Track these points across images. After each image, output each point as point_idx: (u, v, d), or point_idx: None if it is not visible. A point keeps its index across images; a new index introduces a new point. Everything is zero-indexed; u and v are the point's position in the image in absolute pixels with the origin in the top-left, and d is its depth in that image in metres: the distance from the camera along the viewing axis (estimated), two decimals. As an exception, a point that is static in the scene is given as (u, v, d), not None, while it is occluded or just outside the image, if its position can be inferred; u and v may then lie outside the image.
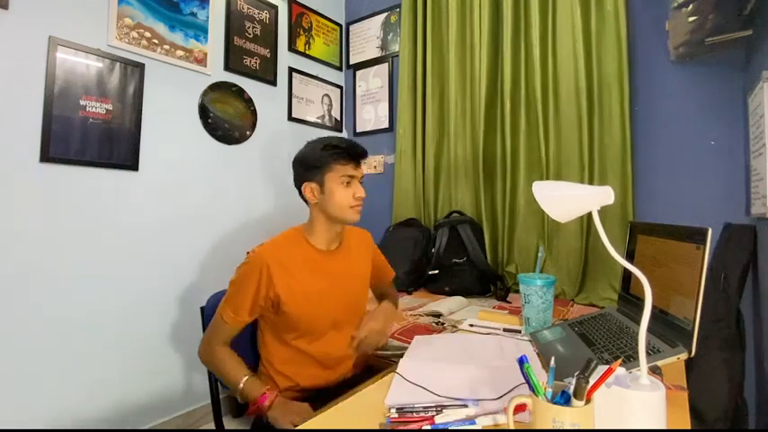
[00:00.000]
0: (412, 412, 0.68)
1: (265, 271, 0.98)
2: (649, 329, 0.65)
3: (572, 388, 0.52)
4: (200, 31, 1.89)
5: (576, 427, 0.50)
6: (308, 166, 1.07)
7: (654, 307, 0.81)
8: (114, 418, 1.60)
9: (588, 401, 0.52)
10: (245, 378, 0.96)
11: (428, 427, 0.65)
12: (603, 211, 0.76)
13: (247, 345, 1.15)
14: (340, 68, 2.65)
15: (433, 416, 0.66)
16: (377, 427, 0.67)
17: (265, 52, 2.18)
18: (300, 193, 1.11)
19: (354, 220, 1.09)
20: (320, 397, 0.94)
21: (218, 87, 1.96)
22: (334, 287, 1.08)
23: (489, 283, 1.86)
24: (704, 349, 1.21)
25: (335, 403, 0.77)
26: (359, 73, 2.61)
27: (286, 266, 1.01)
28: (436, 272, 1.89)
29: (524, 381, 0.56)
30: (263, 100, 2.16)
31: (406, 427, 0.65)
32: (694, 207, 1.54)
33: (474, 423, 0.65)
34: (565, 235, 1.80)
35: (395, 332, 1.30)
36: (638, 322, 0.65)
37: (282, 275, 1.00)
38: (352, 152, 1.06)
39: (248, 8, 2.11)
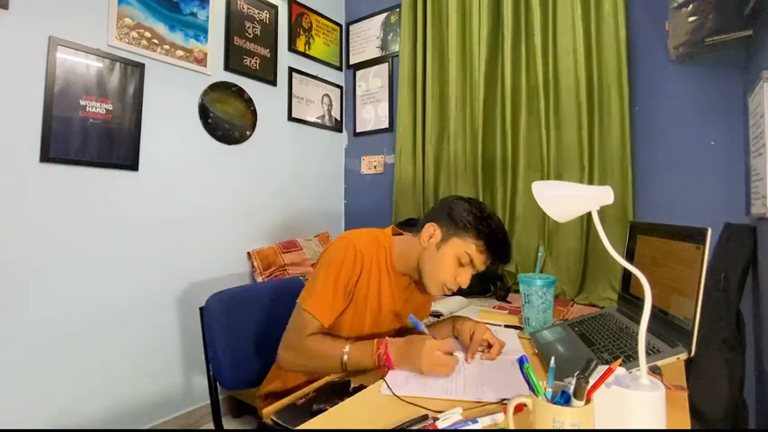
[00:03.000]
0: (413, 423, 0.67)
1: (359, 264, 0.92)
2: (649, 329, 0.65)
3: (572, 388, 0.52)
4: (200, 31, 1.89)
5: (576, 427, 0.50)
6: (451, 216, 0.95)
7: (654, 307, 0.81)
8: (114, 418, 1.60)
9: (588, 401, 0.52)
10: (347, 346, 0.87)
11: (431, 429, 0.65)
12: (603, 211, 0.77)
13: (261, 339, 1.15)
14: (340, 68, 2.65)
15: (434, 424, 0.66)
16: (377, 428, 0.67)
17: (265, 52, 2.18)
18: (422, 224, 0.99)
19: (433, 295, 1.02)
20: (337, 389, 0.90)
21: (218, 87, 1.96)
22: (392, 311, 1.02)
23: (489, 282, 1.86)
24: (704, 349, 1.22)
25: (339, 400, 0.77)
26: (359, 73, 2.61)
27: (369, 271, 0.95)
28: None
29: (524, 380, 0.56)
30: (263, 100, 2.16)
31: (410, 428, 0.65)
32: (694, 207, 1.54)
33: (477, 422, 0.65)
34: (565, 235, 1.80)
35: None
36: (638, 322, 0.65)
37: (365, 279, 0.94)
38: (496, 247, 0.93)
39: (248, 8, 2.11)
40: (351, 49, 2.65)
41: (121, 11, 1.63)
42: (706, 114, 1.53)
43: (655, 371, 0.75)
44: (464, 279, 0.94)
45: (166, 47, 1.77)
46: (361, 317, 0.98)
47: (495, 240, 0.93)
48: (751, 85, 1.28)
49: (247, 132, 2.09)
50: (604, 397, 0.56)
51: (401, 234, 1.07)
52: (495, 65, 1.99)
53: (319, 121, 2.50)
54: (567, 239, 1.79)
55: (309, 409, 0.84)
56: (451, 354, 0.85)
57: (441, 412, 0.69)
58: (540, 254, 1.33)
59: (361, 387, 0.86)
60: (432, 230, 0.96)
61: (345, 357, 0.87)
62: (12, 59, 1.38)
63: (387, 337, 0.89)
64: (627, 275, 1.12)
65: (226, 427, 1.15)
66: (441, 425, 0.65)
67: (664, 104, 1.61)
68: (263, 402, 1.02)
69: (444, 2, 2.16)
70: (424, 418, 0.67)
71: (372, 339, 0.89)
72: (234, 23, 2.03)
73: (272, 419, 0.87)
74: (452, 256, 0.93)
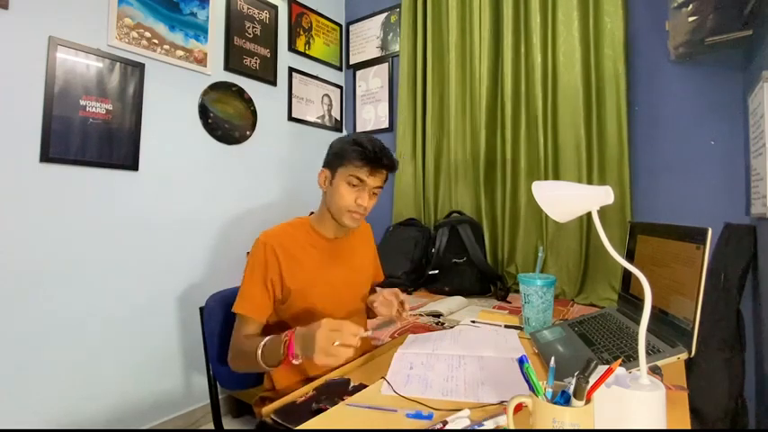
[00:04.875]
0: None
1: (271, 254, 0.98)
2: (649, 329, 0.65)
3: (572, 388, 0.52)
4: (201, 31, 1.89)
5: (576, 427, 0.50)
6: (331, 153, 1.05)
7: (654, 307, 0.81)
8: (114, 418, 1.60)
9: (588, 401, 0.52)
10: (265, 340, 0.87)
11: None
12: (603, 212, 0.76)
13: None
14: (340, 68, 2.65)
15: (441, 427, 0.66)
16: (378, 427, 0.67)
17: (265, 52, 2.18)
18: None
19: (349, 227, 1.05)
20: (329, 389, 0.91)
21: (218, 87, 1.96)
22: (344, 275, 1.08)
23: (489, 283, 1.86)
24: (704, 349, 1.22)
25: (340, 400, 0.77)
26: (359, 73, 2.61)
27: (292, 253, 1.00)
28: (436, 272, 1.89)
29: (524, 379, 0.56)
30: (263, 100, 2.16)
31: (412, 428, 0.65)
32: (694, 207, 1.54)
33: (482, 425, 0.65)
34: (565, 235, 1.80)
35: (394, 332, 1.30)
36: (638, 322, 0.65)
37: (289, 263, 0.99)
38: (371, 156, 0.98)
39: (248, 8, 2.11)
40: (351, 49, 2.65)
41: (121, 11, 1.63)
42: (706, 114, 1.53)
43: (655, 371, 0.75)
44: (363, 199, 1.00)
45: (166, 47, 1.77)
46: (318, 292, 1.03)
47: (365, 150, 0.98)
48: (751, 85, 1.28)
49: (247, 132, 2.09)
50: (604, 397, 0.56)
51: None
52: (495, 65, 1.99)
53: (319, 121, 2.50)
54: (567, 239, 1.79)
55: (309, 408, 0.84)
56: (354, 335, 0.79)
57: (438, 410, 0.69)
58: (539, 254, 1.33)
59: (362, 386, 0.86)
60: (324, 175, 1.05)
61: (259, 351, 0.86)
62: (12, 59, 1.38)
63: (298, 327, 0.85)
64: (627, 275, 1.12)
65: (226, 427, 1.15)
66: (450, 427, 0.65)
67: (663, 104, 1.62)
68: (259, 407, 1.03)
69: (444, 2, 2.16)
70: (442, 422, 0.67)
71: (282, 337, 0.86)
72: (234, 23, 2.03)
73: (271, 418, 0.87)
74: (343, 183, 1.00)
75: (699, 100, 1.54)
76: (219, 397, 1.14)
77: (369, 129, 2.54)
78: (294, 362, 0.83)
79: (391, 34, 2.46)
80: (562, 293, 1.79)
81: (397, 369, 0.88)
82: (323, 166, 1.06)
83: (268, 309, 0.99)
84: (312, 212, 1.13)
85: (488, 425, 0.65)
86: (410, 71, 2.26)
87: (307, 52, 2.42)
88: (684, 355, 0.74)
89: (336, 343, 0.77)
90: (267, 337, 0.89)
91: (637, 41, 1.67)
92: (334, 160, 1.03)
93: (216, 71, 1.96)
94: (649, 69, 1.64)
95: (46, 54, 1.44)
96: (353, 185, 1.00)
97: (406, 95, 2.26)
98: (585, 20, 1.73)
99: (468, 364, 0.90)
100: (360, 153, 0.98)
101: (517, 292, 1.29)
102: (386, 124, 2.47)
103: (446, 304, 1.53)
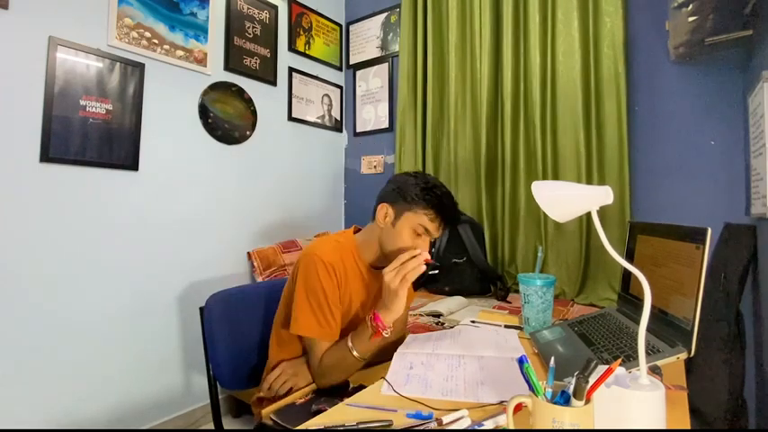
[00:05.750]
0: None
1: (332, 277, 0.95)
2: (649, 329, 0.65)
3: (572, 388, 0.52)
4: (201, 31, 1.89)
5: (576, 427, 0.50)
6: (400, 192, 0.99)
7: (653, 307, 0.81)
8: (114, 418, 1.60)
9: (588, 401, 0.52)
10: (349, 342, 0.91)
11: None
12: (603, 212, 0.76)
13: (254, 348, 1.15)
14: (340, 68, 2.65)
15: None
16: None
17: (265, 52, 2.18)
18: (374, 207, 1.03)
19: None
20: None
21: (218, 87, 1.96)
22: (369, 307, 1.05)
23: (489, 283, 1.86)
24: (704, 349, 1.22)
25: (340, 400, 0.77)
26: (359, 73, 2.61)
27: (341, 278, 0.98)
28: (436, 272, 1.88)
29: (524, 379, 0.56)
30: (263, 100, 2.16)
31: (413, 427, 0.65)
32: (694, 207, 1.54)
33: (482, 425, 0.65)
34: (565, 235, 1.80)
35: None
36: (637, 322, 0.65)
37: (343, 286, 0.98)
38: (446, 213, 0.97)
39: (248, 8, 2.11)
40: (351, 49, 2.65)
41: (121, 11, 1.63)
42: (706, 114, 1.53)
43: (655, 371, 0.75)
44: (424, 247, 0.99)
45: (166, 47, 1.77)
46: (348, 321, 1.02)
47: (443, 207, 0.97)
48: (751, 85, 1.28)
49: (247, 132, 2.09)
50: (604, 397, 0.56)
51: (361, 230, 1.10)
52: (496, 64, 1.99)
53: (319, 121, 2.50)
54: (567, 239, 1.79)
55: (309, 408, 0.84)
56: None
57: (438, 410, 0.69)
58: (539, 254, 1.33)
59: (361, 387, 0.86)
60: (385, 210, 0.99)
61: (355, 353, 0.90)
62: (12, 59, 1.38)
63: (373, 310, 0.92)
64: (627, 275, 1.12)
65: (226, 427, 1.15)
66: (447, 427, 0.65)
67: (664, 104, 1.61)
68: (257, 408, 1.03)
69: (444, 2, 2.16)
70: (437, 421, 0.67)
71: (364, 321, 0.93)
72: (234, 23, 2.03)
73: (271, 419, 0.87)
74: (408, 230, 0.97)
75: (699, 100, 1.54)
76: (219, 397, 1.14)
77: (369, 129, 2.54)
78: (385, 334, 0.88)
79: (391, 34, 2.46)
80: (562, 293, 1.79)
81: (396, 369, 0.88)
82: (384, 201, 1.00)
83: (341, 325, 0.98)
84: (357, 227, 1.08)
85: (488, 425, 0.65)
86: (410, 71, 2.26)
87: (307, 52, 2.42)
88: (684, 355, 0.74)
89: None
90: (349, 339, 0.92)
91: (637, 41, 1.67)
92: (403, 202, 0.98)
93: (216, 71, 1.96)
94: (649, 69, 1.64)
95: (46, 54, 1.44)
96: (418, 234, 0.97)
97: (406, 95, 2.26)
98: (585, 20, 1.73)
99: (467, 364, 0.90)
100: (437, 207, 0.96)
101: (517, 292, 1.29)
102: (386, 124, 2.47)
103: (446, 304, 1.53)
